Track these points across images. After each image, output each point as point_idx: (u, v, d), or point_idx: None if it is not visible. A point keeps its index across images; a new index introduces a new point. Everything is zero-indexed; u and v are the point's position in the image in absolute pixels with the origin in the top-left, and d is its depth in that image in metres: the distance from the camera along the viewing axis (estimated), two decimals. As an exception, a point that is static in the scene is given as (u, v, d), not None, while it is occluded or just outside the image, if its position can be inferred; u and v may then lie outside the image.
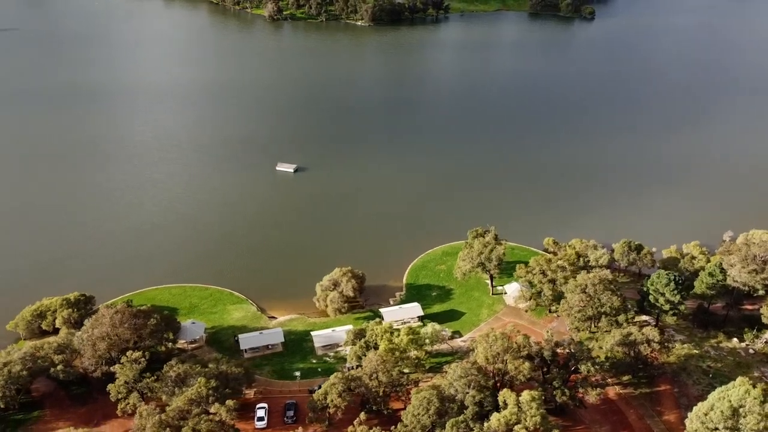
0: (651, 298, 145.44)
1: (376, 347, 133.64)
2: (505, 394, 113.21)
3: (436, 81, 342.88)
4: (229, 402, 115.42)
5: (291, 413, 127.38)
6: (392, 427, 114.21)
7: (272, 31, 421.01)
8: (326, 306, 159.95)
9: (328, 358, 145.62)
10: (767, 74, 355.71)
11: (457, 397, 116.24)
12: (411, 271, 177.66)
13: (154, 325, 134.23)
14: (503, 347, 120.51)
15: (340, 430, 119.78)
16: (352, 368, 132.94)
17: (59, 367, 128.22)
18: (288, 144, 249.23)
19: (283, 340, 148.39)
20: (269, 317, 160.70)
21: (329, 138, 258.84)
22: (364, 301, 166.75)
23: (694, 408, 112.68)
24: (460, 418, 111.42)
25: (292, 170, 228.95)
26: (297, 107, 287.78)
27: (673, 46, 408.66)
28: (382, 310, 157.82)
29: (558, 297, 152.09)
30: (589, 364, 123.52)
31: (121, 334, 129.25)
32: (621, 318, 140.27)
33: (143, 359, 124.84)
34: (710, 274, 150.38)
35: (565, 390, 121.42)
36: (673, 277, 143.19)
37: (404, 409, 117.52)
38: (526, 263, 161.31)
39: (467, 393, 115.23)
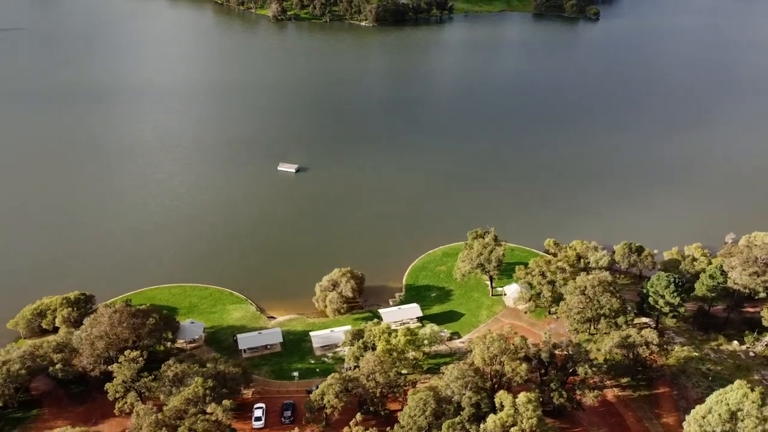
0: (651, 300, 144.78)
1: (373, 348, 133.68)
2: (501, 396, 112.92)
3: (439, 81, 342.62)
4: (226, 402, 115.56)
5: (288, 413, 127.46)
6: (388, 428, 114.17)
7: (276, 32, 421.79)
8: (325, 306, 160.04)
9: (326, 359, 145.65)
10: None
11: (453, 399, 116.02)
12: (411, 271, 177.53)
13: (153, 325, 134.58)
14: (500, 349, 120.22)
15: (338, 430, 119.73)
16: (350, 369, 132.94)
17: (58, 366, 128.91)
18: (290, 144, 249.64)
19: (281, 340, 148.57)
20: (268, 317, 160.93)
21: (331, 138, 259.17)
22: (363, 301, 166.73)
23: (692, 411, 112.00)
24: (457, 419, 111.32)
25: (293, 170, 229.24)
26: (300, 107, 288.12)
27: (677, 46, 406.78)
28: (381, 311, 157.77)
29: (557, 298, 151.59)
30: (587, 366, 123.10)
31: (119, 334, 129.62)
32: (620, 320, 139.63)
33: (141, 359, 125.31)
34: (711, 277, 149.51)
35: (563, 392, 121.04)
36: (672, 279, 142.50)
37: (401, 410, 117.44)
38: (526, 264, 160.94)
39: (464, 394, 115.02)
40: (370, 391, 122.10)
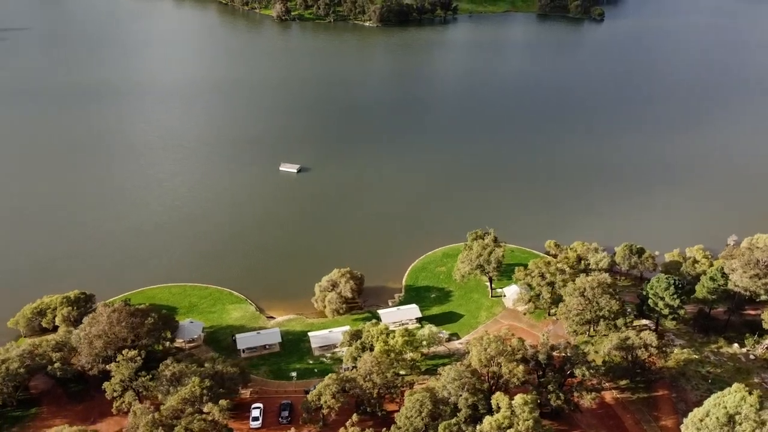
0: (650, 302, 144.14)
1: (371, 349, 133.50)
2: (498, 398, 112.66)
3: (441, 82, 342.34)
4: (222, 402, 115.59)
5: (286, 413, 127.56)
6: (384, 429, 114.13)
7: (280, 32, 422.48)
8: (324, 307, 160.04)
9: (324, 359, 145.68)
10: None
11: (450, 400, 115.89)
12: (411, 272, 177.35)
13: (152, 324, 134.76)
14: (497, 350, 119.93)
15: (335, 431, 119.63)
16: (348, 369, 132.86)
17: (57, 365, 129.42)
18: (292, 144, 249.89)
19: (280, 340, 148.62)
20: (268, 317, 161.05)
21: (333, 138, 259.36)
22: (362, 302, 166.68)
23: (690, 414, 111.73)
24: (453, 420, 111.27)
25: (295, 170, 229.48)
26: (302, 107, 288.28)
27: (682, 47, 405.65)
28: (380, 312, 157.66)
29: (557, 300, 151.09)
30: (584, 368, 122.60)
31: (117, 333, 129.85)
32: (619, 322, 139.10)
33: (139, 358, 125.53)
34: (711, 279, 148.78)
35: (560, 394, 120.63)
36: (672, 282, 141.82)
37: (398, 411, 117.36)
38: (526, 266, 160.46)
39: (460, 396, 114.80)
40: (367, 391, 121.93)
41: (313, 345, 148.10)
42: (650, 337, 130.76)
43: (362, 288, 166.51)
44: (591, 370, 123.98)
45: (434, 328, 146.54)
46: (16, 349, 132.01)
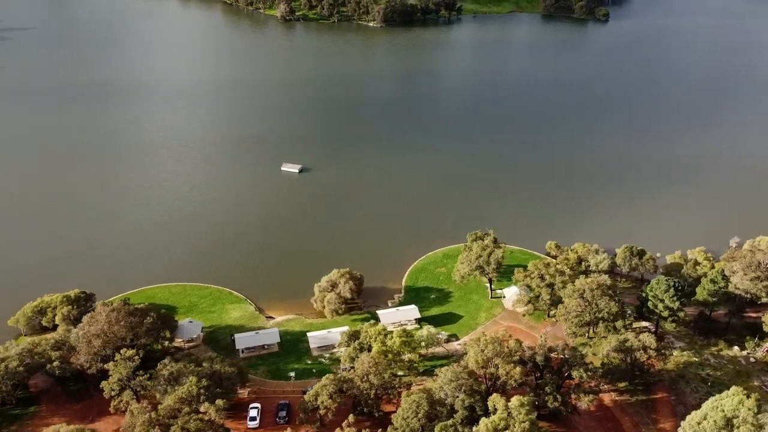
0: (650, 304, 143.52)
1: (369, 349, 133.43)
2: (494, 399, 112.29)
3: (444, 82, 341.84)
4: (219, 401, 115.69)
5: (284, 413, 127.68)
6: (380, 430, 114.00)
7: (284, 32, 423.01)
8: (323, 307, 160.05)
9: (323, 360, 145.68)
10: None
11: (447, 401, 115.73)
12: (411, 273, 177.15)
13: (150, 324, 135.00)
14: (495, 351, 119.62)
15: (331, 431, 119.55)
16: (346, 370, 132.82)
17: (55, 364, 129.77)
18: (295, 144, 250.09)
19: (279, 340, 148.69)
20: (267, 317, 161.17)
21: (336, 138, 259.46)
22: (362, 302, 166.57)
23: (688, 417, 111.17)
24: (449, 422, 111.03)
25: (296, 170, 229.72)
26: (306, 107, 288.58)
27: (687, 48, 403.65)
28: (379, 312, 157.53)
29: (556, 301, 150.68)
30: (582, 370, 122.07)
31: (116, 332, 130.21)
32: (618, 324, 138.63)
33: (137, 357, 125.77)
34: (712, 281, 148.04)
35: (558, 396, 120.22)
36: (672, 284, 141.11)
37: (395, 411, 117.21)
38: (526, 267, 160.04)
39: (457, 397, 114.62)
40: (365, 392, 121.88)
41: (312, 345, 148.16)
42: (649, 340, 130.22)
43: (362, 288, 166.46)
44: (589, 372, 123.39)
45: (433, 329, 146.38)
46: (15, 347, 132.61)
